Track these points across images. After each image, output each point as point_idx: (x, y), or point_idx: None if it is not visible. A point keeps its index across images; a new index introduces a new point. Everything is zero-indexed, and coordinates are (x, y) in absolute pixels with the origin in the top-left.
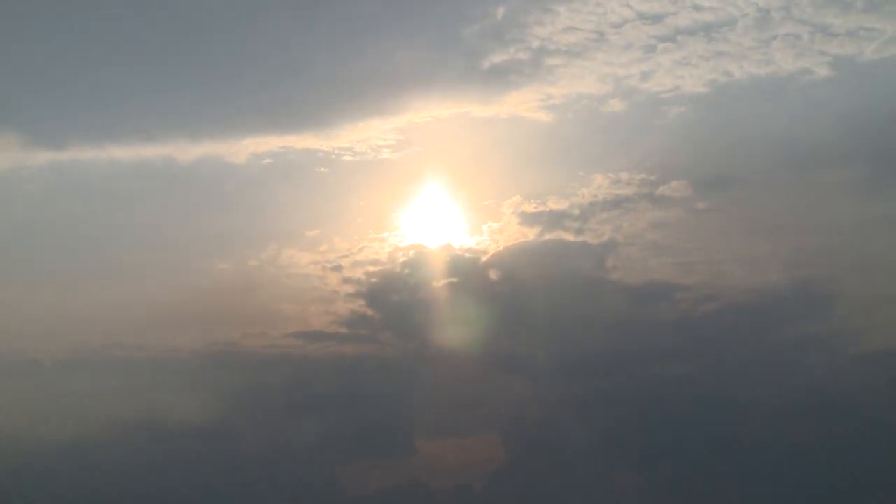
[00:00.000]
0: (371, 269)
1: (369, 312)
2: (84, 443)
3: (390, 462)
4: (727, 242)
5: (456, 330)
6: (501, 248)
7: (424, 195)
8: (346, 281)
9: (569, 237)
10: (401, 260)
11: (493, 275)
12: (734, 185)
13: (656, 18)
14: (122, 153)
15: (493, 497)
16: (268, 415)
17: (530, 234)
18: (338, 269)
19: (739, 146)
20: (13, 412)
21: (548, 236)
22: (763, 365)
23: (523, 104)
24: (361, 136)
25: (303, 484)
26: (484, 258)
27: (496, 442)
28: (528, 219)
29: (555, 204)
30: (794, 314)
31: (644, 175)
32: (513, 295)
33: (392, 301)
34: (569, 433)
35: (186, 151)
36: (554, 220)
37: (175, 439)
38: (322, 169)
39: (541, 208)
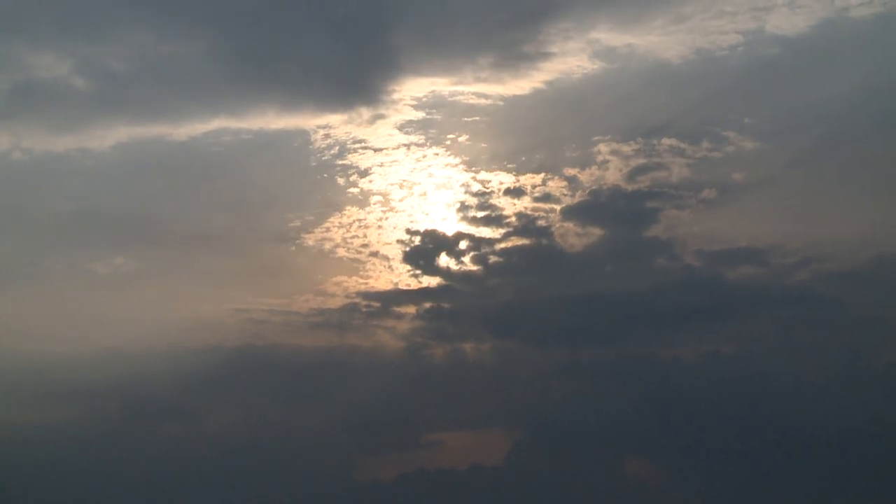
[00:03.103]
0: (421, 228)
1: (412, 284)
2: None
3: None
4: (856, 202)
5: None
6: (577, 200)
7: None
8: (391, 243)
9: (669, 179)
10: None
11: (565, 229)
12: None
13: None
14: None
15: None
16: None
17: (620, 179)
18: (379, 227)
19: None
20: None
21: (641, 183)
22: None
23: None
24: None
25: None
26: (558, 206)
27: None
28: (624, 160)
29: (660, 146)
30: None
31: (788, 119)
32: (580, 257)
33: (440, 268)
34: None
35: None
36: (652, 167)
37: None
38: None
39: (640, 148)
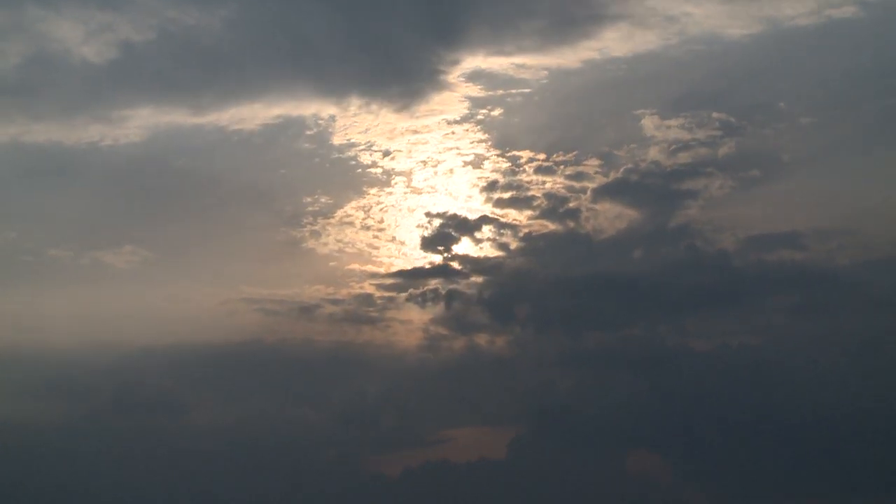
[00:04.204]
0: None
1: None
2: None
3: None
4: None
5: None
6: (611, 178)
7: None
8: (410, 228)
9: (713, 157)
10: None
11: (596, 211)
12: None
13: None
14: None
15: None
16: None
17: (660, 157)
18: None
19: None
20: None
21: (683, 160)
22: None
23: None
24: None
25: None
26: (591, 185)
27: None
28: (667, 136)
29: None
30: None
31: (851, 90)
32: (609, 242)
33: (460, 255)
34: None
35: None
36: (695, 144)
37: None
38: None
39: (685, 123)
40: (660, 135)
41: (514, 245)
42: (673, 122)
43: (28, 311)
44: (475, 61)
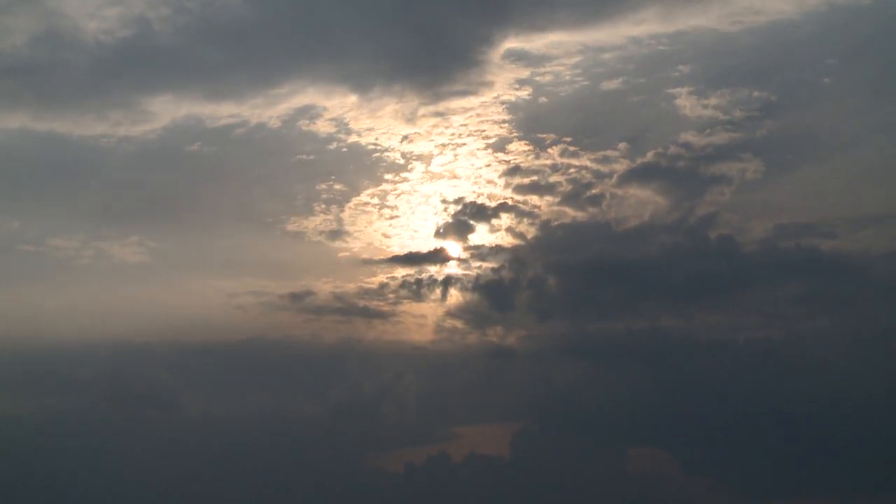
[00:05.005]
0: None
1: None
2: None
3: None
4: None
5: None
6: (638, 162)
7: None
8: (426, 217)
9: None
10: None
11: (620, 198)
12: None
13: None
14: None
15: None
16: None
17: (690, 139)
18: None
19: None
20: None
21: (716, 140)
22: None
23: None
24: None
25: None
26: (619, 168)
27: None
28: (700, 116)
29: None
30: None
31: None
32: (633, 230)
33: (476, 245)
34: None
35: None
36: (728, 125)
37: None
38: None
39: (720, 103)
40: (694, 115)
41: (530, 234)
42: (710, 101)
43: (28, 303)
44: (507, 38)
